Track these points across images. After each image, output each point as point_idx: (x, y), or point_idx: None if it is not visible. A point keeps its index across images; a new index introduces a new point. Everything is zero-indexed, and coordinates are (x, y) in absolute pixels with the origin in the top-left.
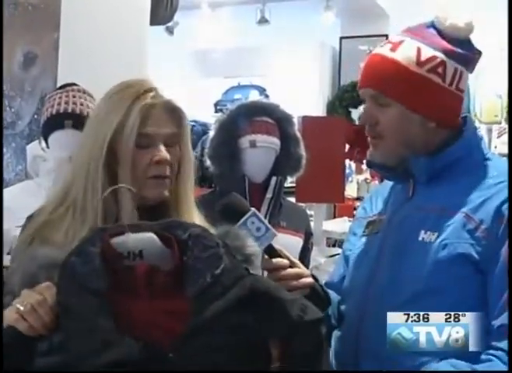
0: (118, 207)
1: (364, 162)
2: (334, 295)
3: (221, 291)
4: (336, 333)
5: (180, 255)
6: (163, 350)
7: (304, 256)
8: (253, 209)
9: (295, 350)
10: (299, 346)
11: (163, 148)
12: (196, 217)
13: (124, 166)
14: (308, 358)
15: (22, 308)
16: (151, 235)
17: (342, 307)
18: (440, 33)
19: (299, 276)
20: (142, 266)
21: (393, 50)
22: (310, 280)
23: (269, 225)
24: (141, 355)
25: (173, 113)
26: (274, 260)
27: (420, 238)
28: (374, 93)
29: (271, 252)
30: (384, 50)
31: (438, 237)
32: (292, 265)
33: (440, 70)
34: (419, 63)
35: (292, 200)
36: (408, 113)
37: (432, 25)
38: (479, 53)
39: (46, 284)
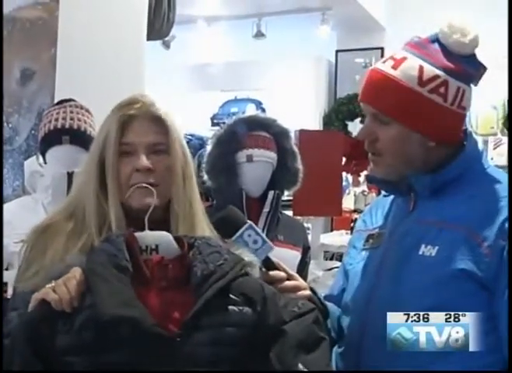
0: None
1: (361, 174)
2: (334, 308)
3: (220, 276)
4: (337, 350)
5: (189, 253)
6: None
7: (302, 270)
8: (249, 222)
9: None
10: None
11: (143, 156)
12: (205, 227)
13: (110, 176)
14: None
15: (52, 284)
16: (166, 233)
17: (342, 321)
18: (444, 48)
19: (297, 288)
20: (156, 258)
21: (395, 67)
22: (307, 292)
23: (266, 238)
24: (153, 328)
25: (157, 122)
26: (271, 273)
27: (420, 252)
28: (375, 111)
29: (269, 264)
30: (385, 67)
31: (439, 251)
32: (289, 277)
33: (441, 90)
34: (421, 83)
35: (290, 213)
36: (407, 132)
37: (436, 39)
38: (484, 68)
39: (75, 268)
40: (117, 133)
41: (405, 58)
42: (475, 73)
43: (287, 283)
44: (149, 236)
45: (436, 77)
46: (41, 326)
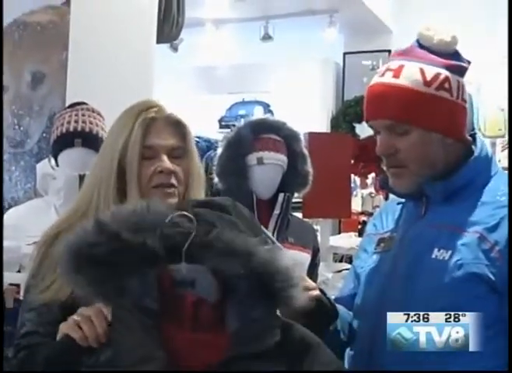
0: None
1: (369, 176)
2: (344, 311)
3: (257, 334)
4: (349, 352)
5: (226, 291)
6: None
7: (312, 272)
8: None
9: None
10: None
11: (165, 158)
12: None
13: (131, 178)
14: None
15: (78, 318)
16: (204, 267)
17: (354, 324)
18: (431, 50)
19: (306, 289)
20: (191, 296)
21: (396, 76)
22: (316, 292)
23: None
24: None
25: (177, 126)
26: None
27: (433, 256)
28: (390, 123)
29: None
30: (386, 78)
31: (452, 255)
32: None
33: (446, 85)
34: (426, 83)
35: (299, 215)
36: (427, 134)
37: (419, 44)
38: (468, 61)
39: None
40: (142, 137)
41: (402, 66)
42: (465, 66)
43: None
44: (185, 270)
45: (438, 74)
46: (64, 360)
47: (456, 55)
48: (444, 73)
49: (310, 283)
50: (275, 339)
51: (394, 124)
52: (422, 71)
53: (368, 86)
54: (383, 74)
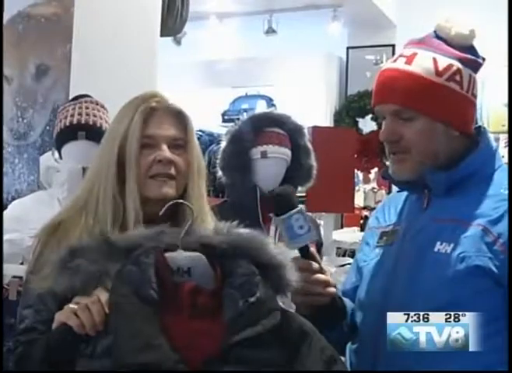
0: (126, 210)
1: (372, 171)
2: (347, 303)
3: (255, 319)
4: (351, 346)
5: (223, 278)
6: (195, 368)
7: None
8: (301, 206)
9: None
10: None
11: (165, 147)
12: (209, 223)
13: (130, 167)
14: None
15: (75, 306)
16: (200, 255)
17: (355, 317)
18: (447, 42)
19: (327, 283)
20: (188, 284)
21: (408, 63)
22: (333, 289)
23: (312, 227)
24: (175, 366)
25: (178, 117)
26: (308, 261)
27: (436, 250)
28: (396, 108)
29: (306, 253)
30: (398, 64)
31: (454, 248)
32: (321, 271)
33: (457, 77)
34: (438, 73)
35: None
36: (432, 123)
37: (436, 35)
38: (483, 58)
39: (99, 288)
40: (141, 126)
41: (415, 53)
42: (479, 62)
43: (319, 275)
44: (181, 258)
45: (451, 66)
46: (62, 349)
47: (472, 50)
48: (457, 65)
49: (330, 279)
50: (274, 322)
51: (400, 110)
52: (434, 61)
53: (380, 71)
54: (395, 60)
